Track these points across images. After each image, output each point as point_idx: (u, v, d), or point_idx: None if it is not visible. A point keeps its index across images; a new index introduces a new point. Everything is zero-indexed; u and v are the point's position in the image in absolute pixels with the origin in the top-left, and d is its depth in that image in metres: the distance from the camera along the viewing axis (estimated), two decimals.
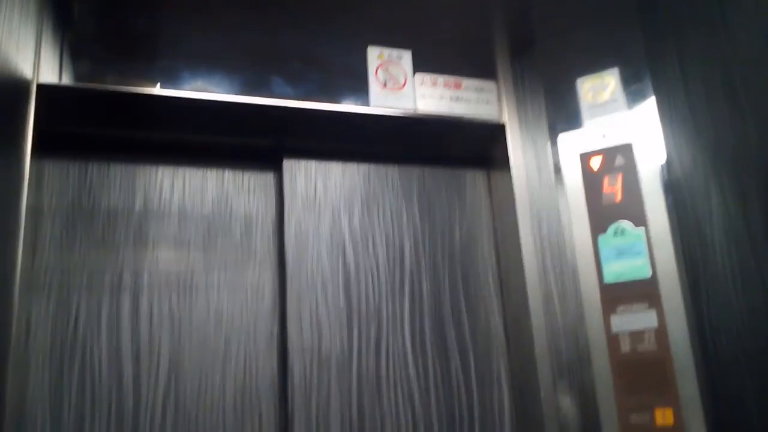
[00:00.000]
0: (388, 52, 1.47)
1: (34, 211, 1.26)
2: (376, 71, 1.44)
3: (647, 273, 1.31)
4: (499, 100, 1.53)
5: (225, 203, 1.43)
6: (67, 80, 1.23)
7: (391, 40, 1.48)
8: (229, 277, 1.38)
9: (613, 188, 1.36)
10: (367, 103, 1.42)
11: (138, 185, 1.37)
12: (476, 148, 1.58)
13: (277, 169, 1.48)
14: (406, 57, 1.48)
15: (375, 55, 1.45)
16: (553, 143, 1.45)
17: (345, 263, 1.44)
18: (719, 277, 1.26)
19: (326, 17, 1.44)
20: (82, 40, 1.26)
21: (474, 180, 1.62)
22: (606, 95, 1.43)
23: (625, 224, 1.34)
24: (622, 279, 1.32)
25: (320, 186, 1.47)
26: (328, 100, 1.39)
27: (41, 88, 1.19)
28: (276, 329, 1.38)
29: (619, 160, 1.37)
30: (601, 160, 1.39)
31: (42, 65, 1.20)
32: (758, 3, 1.20)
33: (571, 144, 1.43)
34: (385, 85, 1.44)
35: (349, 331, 1.40)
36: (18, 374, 1.16)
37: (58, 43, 1.24)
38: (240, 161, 1.46)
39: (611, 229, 1.35)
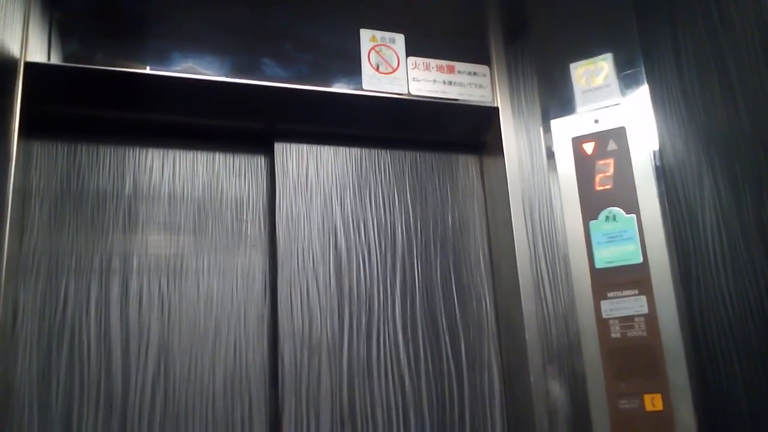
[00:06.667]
0: (380, 35, 1.45)
1: (22, 193, 1.24)
2: (369, 54, 1.43)
3: (638, 259, 1.31)
4: (493, 84, 1.52)
5: (216, 186, 1.42)
6: (55, 59, 1.21)
7: (384, 23, 1.47)
8: (219, 261, 1.37)
9: (605, 173, 1.36)
10: (359, 87, 1.41)
11: (127, 167, 1.36)
12: (469, 132, 1.58)
13: (269, 153, 1.47)
14: (399, 40, 1.47)
15: (367, 37, 1.44)
16: (546, 128, 1.45)
17: (336, 248, 1.43)
18: (710, 263, 1.27)
19: None
20: (72, 19, 1.24)
21: (466, 164, 1.61)
22: (599, 80, 1.43)
23: (617, 210, 1.34)
24: (612, 265, 1.33)
25: (312, 170, 1.46)
26: (320, 83, 1.38)
27: (29, 66, 1.17)
28: (267, 313, 1.38)
29: (612, 146, 1.37)
30: (594, 145, 1.39)
31: (30, 44, 1.18)
32: None
33: (564, 128, 1.42)
34: (377, 68, 1.43)
35: (340, 315, 1.39)
36: (5, 358, 1.16)
37: (47, 22, 1.22)
38: (231, 144, 1.45)
39: (603, 214, 1.35)
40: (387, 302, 1.44)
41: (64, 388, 1.21)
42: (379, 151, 1.53)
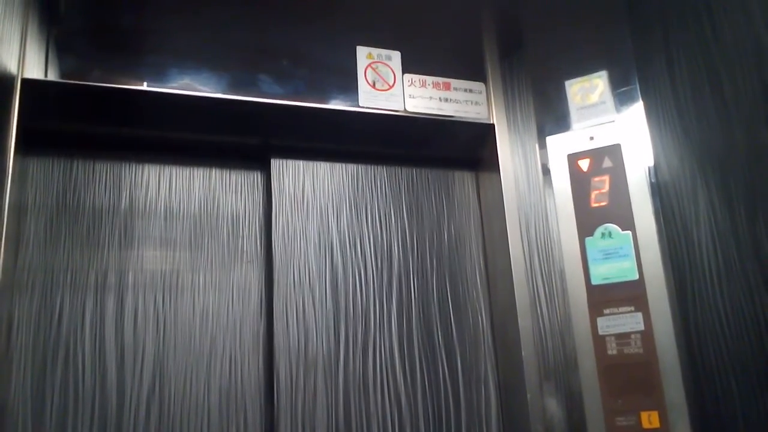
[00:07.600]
0: (377, 52, 1.46)
1: (17, 209, 1.24)
2: (365, 71, 1.44)
3: (634, 275, 1.31)
4: (488, 101, 1.53)
5: (212, 202, 1.42)
6: (52, 76, 1.21)
7: (380, 40, 1.47)
8: (215, 277, 1.37)
9: (600, 190, 1.37)
10: (356, 103, 1.41)
11: (124, 183, 1.36)
12: (465, 149, 1.58)
13: (265, 169, 1.47)
14: (395, 57, 1.48)
15: (364, 54, 1.45)
16: (542, 144, 1.46)
17: (332, 264, 1.43)
18: (706, 280, 1.27)
19: (315, 16, 1.43)
20: (69, 36, 1.25)
21: (462, 181, 1.61)
22: (594, 97, 1.44)
23: (612, 227, 1.34)
24: (608, 281, 1.33)
25: (308, 186, 1.47)
26: (316, 99, 1.38)
27: (26, 83, 1.18)
28: (262, 330, 1.37)
29: (607, 162, 1.38)
30: (589, 162, 1.39)
31: (27, 60, 1.19)
32: (746, 6, 1.21)
33: (560, 145, 1.43)
34: (374, 85, 1.43)
35: (336, 332, 1.39)
36: None
37: (44, 39, 1.22)
38: (227, 160, 1.45)
39: (598, 231, 1.35)
40: (383, 318, 1.43)
41: (58, 405, 1.20)
42: (376, 167, 1.54)
